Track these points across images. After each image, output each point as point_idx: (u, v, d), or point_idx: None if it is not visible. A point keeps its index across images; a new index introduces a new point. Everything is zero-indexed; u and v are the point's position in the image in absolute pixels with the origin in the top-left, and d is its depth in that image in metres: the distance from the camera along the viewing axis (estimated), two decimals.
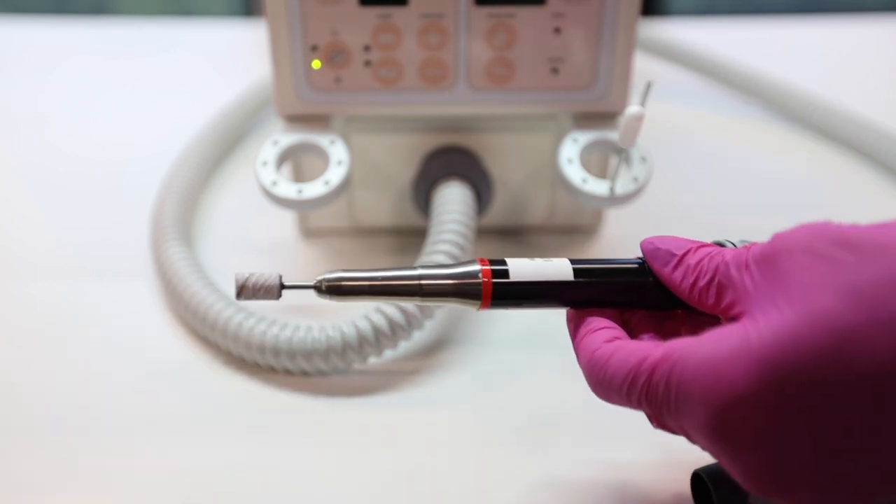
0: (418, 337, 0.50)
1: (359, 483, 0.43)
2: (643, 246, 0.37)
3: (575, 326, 0.37)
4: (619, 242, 0.59)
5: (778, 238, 0.32)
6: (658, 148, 0.52)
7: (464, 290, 0.36)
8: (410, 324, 0.48)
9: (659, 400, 0.32)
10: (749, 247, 0.33)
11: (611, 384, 0.33)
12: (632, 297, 0.37)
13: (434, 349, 0.51)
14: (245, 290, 0.34)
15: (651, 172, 0.50)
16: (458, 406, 0.47)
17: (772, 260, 0.31)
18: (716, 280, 0.33)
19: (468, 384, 0.49)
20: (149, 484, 0.43)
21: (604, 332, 0.35)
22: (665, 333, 0.37)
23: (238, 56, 0.81)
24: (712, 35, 0.84)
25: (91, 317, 0.53)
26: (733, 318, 0.32)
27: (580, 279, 0.37)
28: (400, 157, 0.55)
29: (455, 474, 0.43)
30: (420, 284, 0.36)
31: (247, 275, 0.34)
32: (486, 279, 0.36)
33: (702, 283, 0.34)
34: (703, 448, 0.32)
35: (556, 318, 0.53)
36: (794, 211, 0.63)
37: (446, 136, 0.54)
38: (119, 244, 0.59)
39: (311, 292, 0.36)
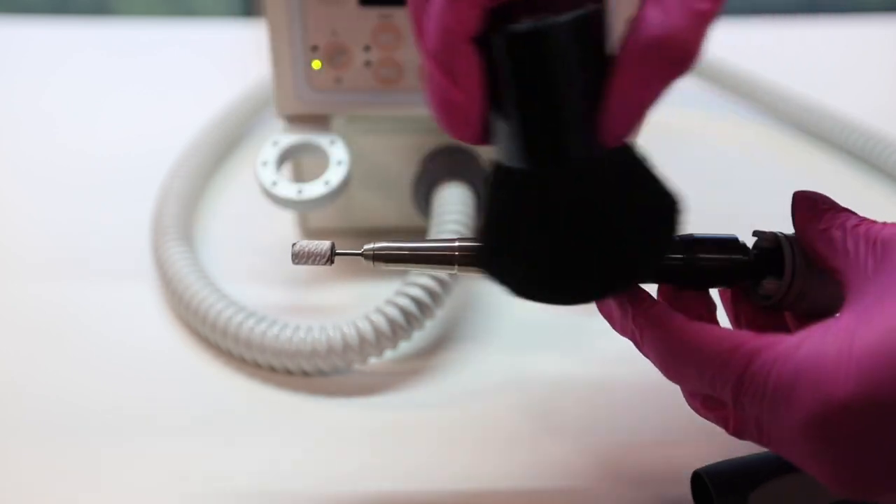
0: (418, 337, 0.50)
1: (359, 483, 0.43)
2: (795, 193, 0.37)
3: (630, 306, 0.36)
4: None
5: None
6: (658, 149, 0.52)
7: None
8: (411, 324, 0.48)
9: (750, 391, 0.31)
10: (885, 224, 0.33)
11: (695, 361, 0.32)
12: (666, 275, 0.37)
13: (434, 349, 0.51)
14: (299, 256, 0.37)
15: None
16: (458, 406, 0.47)
17: (892, 252, 0.31)
18: (834, 235, 0.33)
19: (468, 384, 0.49)
20: (148, 483, 0.43)
21: (675, 314, 0.34)
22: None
23: (238, 56, 0.81)
24: (712, 35, 0.83)
25: (91, 317, 0.53)
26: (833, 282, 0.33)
27: None
28: (400, 157, 0.55)
29: (455, 474, 0.43)
30: (454, 254, 0.37)
31: (302, 242, 0.38)
32: None
33: (832, 233, 0.34)
34: (777, 449, 0.32)
35: (556, 318, 0.53)
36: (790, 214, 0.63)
37: (446, 137, 0.54)
38: (119, 244, 0.59)
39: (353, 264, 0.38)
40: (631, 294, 0.36)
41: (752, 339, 0.32)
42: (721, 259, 0.37)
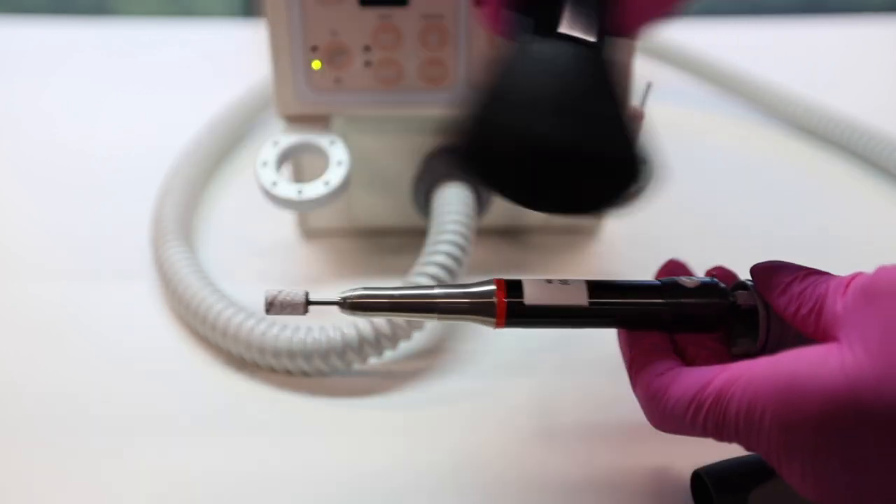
0: (418, 337, 0.50)
1: (359, 483, 0.43)
2: (752, 271, 0.37)
3: (628, 353, 0.38)
4: (619, 243, 0.59)
5: (883, 272, 0.31)
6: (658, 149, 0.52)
7: (478, 309, 0.37)
8: (410, 324, 0.48)
9: (726, 422, 0.32)
10: (854, 275, 0.33)
11: (672, 415, 0.34)
12: (649, 323, 0.38)
13: (434, 350, 0.51)
14: (274, 306, 0.37)
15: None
16: (457, 406, 0.47)
17: (871, 293, 0.31)
18: (816, 307, 0.34)
19: (468, 385, 0.49)
20: (148, 484, 0.43)
21: (657, 364, 0.36)
22: (715, 350, 0.37)
23: (238, 56, 0.81)
24: (713, 35, 0.83)
25: (91, 317, 0.53)
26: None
27: (594, 302, 0.37)
28: (400, 157, 0.55)
29: (455, 475, 0.43)
30: (436, 303, 0.37)
31: (276, 292, 0.37)
32: (499, 299, 0.37)
33: (804, 310, 0.34)
34: (769, 461, 0.32)
35: None
36: (791, 213, 0.63)
37: (446, 137, 0.54)
38: (119, 244, 0.59)
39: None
40: (629, 340, 0.38)
41: (719, 374, 0.33)
42: (703, 304, 0.37)
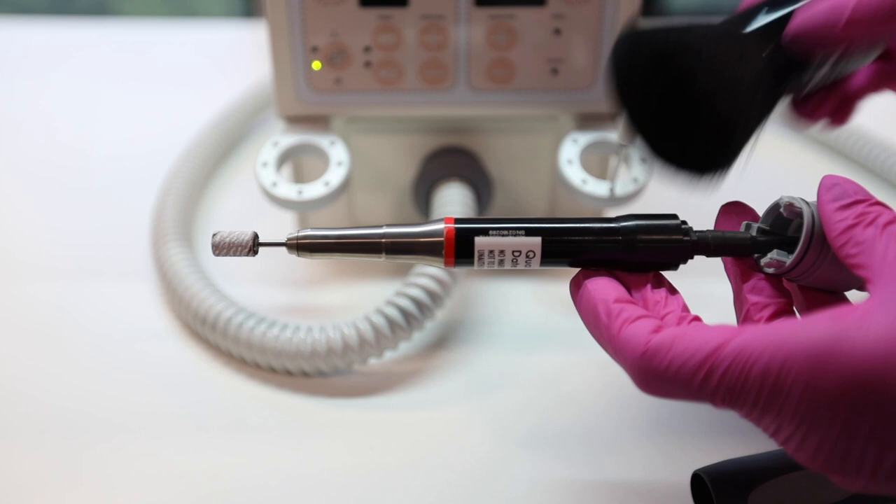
0: (418, 338, 0.50)
1: (359, 483, 0.43)
2: (821, 182, 0.35)
3: (601, 304, 0.34)
4: None
5: None
6: None
7: (424, 248, 0.36)
8: (410, 325, 0.48)
9: (746, 387, 0.30)
10: None
11: (675, 377, 0.31)
12: (605, 252, 0.36)
13: (434, 350, 0.51)
14: (220, 246, 0.36)
15: (651, 173, 0.50)
16: (457, 406, 0.47)
17: None
18: (865, 246, 0.31)
19: (468, 385, 0.49)
20: (148, 484, 0.43)
21: (644, 321, 0.32)
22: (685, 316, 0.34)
23: (238, 56, 0.81)
24: None
25: (91, 317, 0.53)
26: (855, 279, 0.32)
27: (544, 222, 0.36)
28: (400, 157, 0.55)
29: (455, 475, 0.43)
30: (381, 243, 0.36)
31: (223, 231, 0.36)
32: (448, 237, 0.35)
33: (850, 247, 0.32)
34: (777, 430, 0.30)
35: (555, 319, 0.53)
36: None
37: (446, 137, 0.54)
38: (119, 245, 0.59)
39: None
40: (593, 296, 0.35)
41: (739, 334, 0.30)
42: (661, 240, 0.36)
